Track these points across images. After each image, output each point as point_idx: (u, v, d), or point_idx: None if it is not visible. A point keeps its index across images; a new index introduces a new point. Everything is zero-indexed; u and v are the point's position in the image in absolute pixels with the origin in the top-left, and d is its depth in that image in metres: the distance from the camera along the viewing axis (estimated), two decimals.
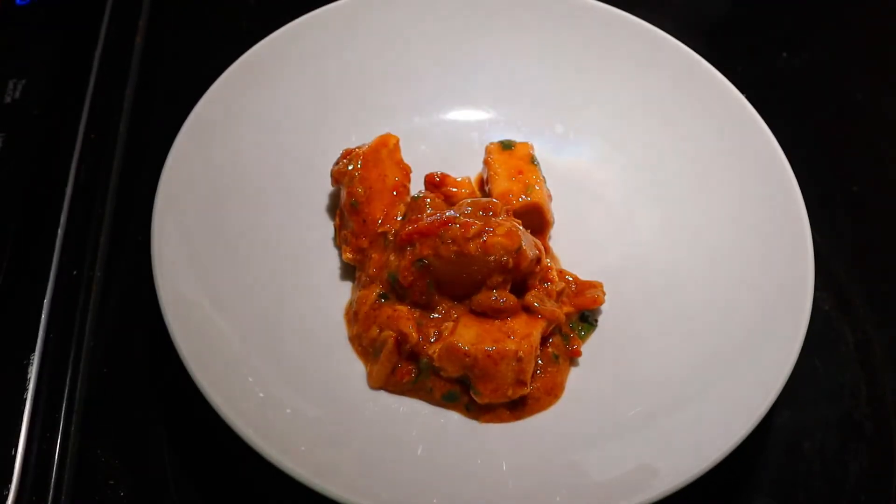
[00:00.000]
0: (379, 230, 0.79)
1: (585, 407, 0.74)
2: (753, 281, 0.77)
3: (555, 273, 0.78)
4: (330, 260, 0.82)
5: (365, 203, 0.80)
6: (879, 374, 0.83)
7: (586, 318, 0.80)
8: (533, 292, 0.76)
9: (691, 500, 0.66)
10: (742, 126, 0.84)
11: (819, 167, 0.96)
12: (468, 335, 0.73)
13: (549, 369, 0.75)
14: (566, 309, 0.77)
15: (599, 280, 0.80)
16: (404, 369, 0.74)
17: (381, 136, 0.82)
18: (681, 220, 0.84)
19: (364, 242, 0.79)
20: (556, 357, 0.76)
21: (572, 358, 0.77)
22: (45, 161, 0.88)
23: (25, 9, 0.98)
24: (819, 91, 1.07)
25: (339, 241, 0.82)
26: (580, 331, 0.79)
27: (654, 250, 0.83)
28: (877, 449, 0.79)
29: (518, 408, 0.73)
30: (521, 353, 0.71)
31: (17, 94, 0.90)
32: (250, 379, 0.70)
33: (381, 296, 0.76)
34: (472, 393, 0.72)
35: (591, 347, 0.78)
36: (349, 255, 0.80)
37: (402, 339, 0.74)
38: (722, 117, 0.86)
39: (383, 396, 0.74)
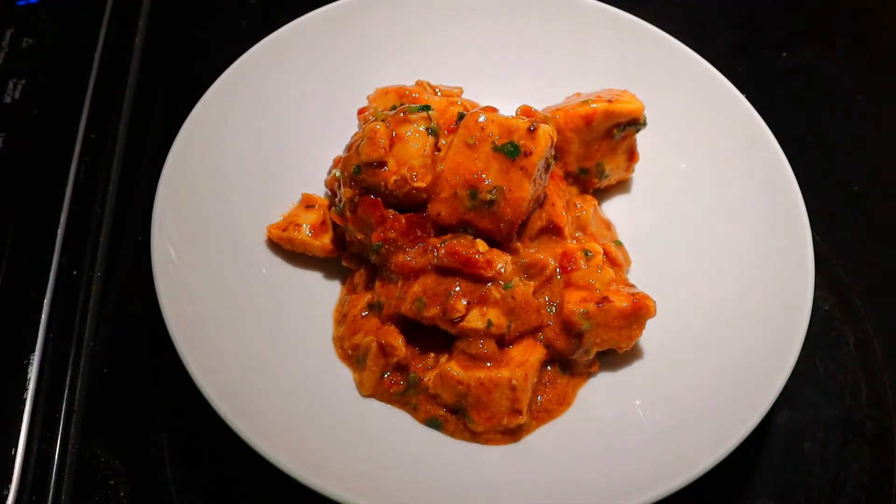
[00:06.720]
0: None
1: (584, 408, 0.74)
2: (754, 281, 0.77)
3: None
4: (329, 260, 0.82)
5: None
6: (879, 374, 0.83)
7: None
8: None
9: (692, 500, 0.65)
10: (742, 126, 0.84)
11: (819, 167, 0.96)
12: (462, 362, 0.71)
13: (558, 382, 0.74)
14: None
15: None
16: (393, 379, 0.73)
17: None
18: (680, 221, 0.84)
19: None
20: (566, 370, 0.75)
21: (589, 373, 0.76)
22: (45, 161, 0.88)
23: (25, 9, 0.98)
24: (819, 91, 1.07)
25: None
26: None
27: (654, 251, 0.83)
28: (877, 449, 0.79)
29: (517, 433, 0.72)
30: (514, 382, 0.69)
31: (17, 94, 0.90)
32: (251, 379, 0.70)
33: (371, 305, 0.76)
34: (466, 421, 0.71)
35: None
36: (347, 262, 0.80)
37: (388, 351, 0.72)
38: (722, 118, 0.85)
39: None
